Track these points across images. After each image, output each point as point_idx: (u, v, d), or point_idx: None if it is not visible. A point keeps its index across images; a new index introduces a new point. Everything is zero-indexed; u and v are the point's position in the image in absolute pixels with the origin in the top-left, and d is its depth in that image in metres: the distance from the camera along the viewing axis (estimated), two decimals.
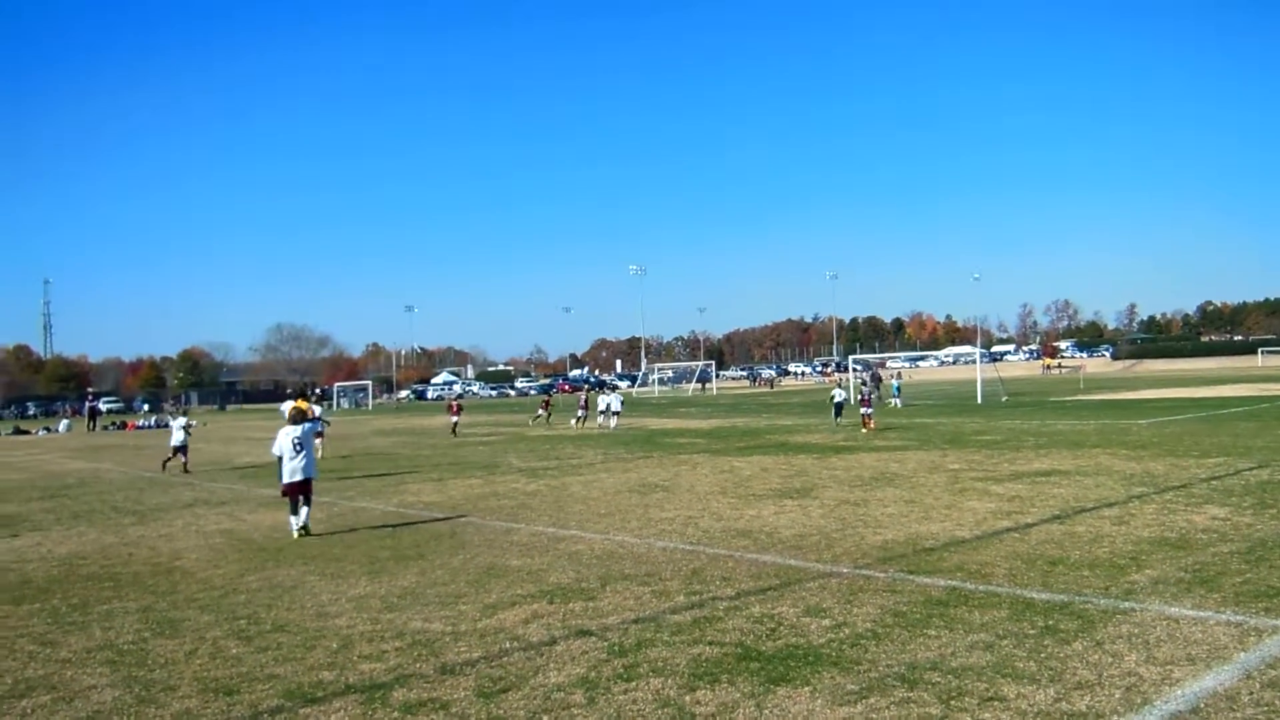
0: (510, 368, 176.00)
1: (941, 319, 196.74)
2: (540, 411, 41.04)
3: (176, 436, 23.64)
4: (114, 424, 62.37)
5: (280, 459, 12.63)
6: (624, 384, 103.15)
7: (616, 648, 6.59)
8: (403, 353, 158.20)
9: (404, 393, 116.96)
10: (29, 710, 5.89)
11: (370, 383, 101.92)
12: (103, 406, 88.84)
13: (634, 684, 5.83)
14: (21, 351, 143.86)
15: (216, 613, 8.24)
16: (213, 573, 10.11)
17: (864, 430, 26.70)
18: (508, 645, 6.81)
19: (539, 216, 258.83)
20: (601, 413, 35.67)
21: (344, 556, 10.70)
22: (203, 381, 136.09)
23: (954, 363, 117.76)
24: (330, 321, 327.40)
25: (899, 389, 44.24)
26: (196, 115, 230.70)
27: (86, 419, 62.78)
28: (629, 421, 38.02)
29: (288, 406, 18.34)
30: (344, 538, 12.09)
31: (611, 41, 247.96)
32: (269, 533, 12.78)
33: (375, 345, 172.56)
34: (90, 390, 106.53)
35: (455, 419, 36.67)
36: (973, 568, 8.60)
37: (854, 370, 57.78)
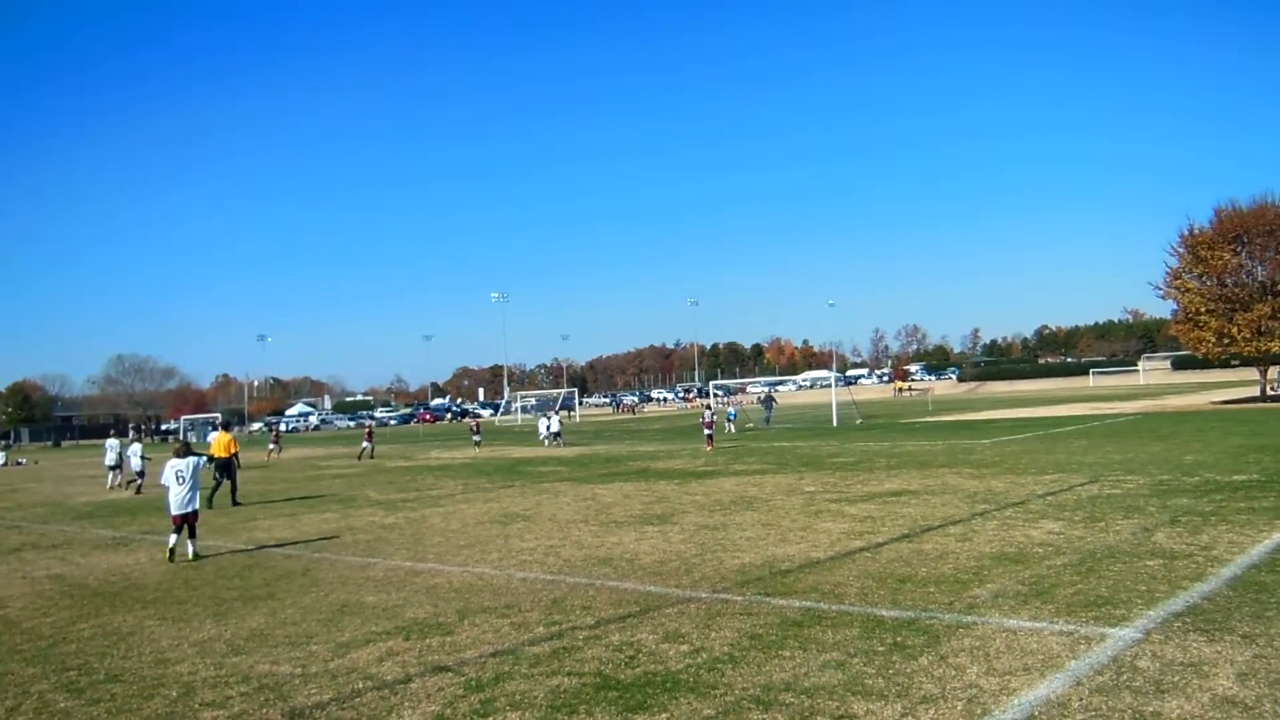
0: (370, 398, 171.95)
1: (799, 344, 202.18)
2: (365, 444, 39.47)
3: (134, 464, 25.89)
4: None
5: (167, 489, 13.21)
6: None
7: (473, 683, 6.48)
8: (255, 384, 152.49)
9: (256, 425, 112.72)
10: None
11: (220, 415, 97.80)
12: None
13: (490, 719, 5.74)
14: None
15: (44, 664, 7.72)
16: (40, 621, 9.48)
17: (707, 449, 29.98)
18: (360, 685, 6.60)
19: (399, 243, 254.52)
20: (545, 436, 39.71)
21: (187, 599, 10.20)
22: (35, 417, 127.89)
23: (811, 386, 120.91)
24: (177, 352, 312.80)
25: (735, 414, 46.27)
26: (26, 131, 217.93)
27: None
28: (492, 452, 37.79)
29: (214, 437, 17.95)
30: (188, 578, 11.52)
31: (469, 62, 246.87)
32: (105, 576, 12.07)
33: (225, 376, 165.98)
34: None
35: (367, 444, 39.04)
36: (826, 588, 8.82)
37: (715, 395, 58.72)
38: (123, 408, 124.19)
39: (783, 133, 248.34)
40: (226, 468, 21.58)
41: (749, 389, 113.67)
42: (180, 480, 13.15)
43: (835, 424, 43.41)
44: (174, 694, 6.66)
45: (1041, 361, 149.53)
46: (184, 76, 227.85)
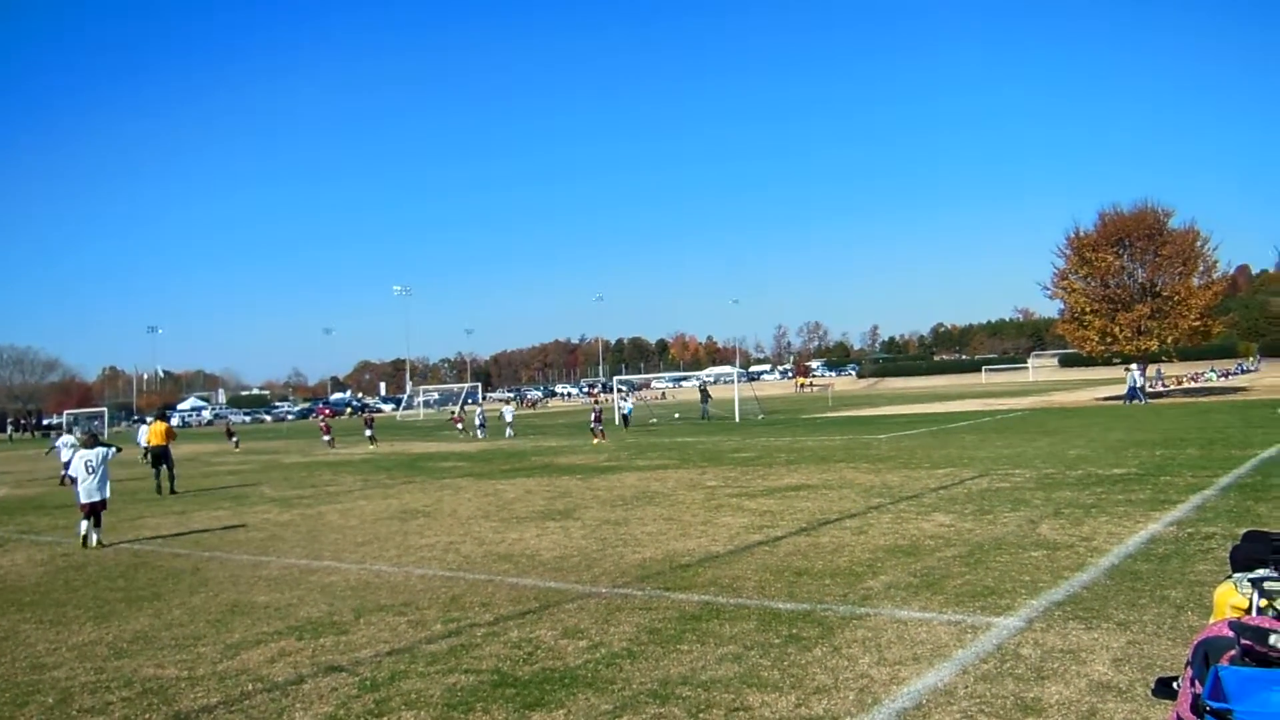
0: (266, 392, 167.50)
1: (703, 340, 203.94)
2: (367, 431, 40.51)
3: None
4: None
5: (75, 480, 13.98)
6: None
7: (368, 682, 6.36)
8: (145, 376, 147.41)
9: (76, 427, 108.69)
10: None
11: (106, 410, 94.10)
12: None
13: (385, 719, 5.65)
14: None
15: None
16: None
17: (595, 441, 32.24)
18: (250, 687, 6.43)
19: (299, 234, 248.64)
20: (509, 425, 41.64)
21: (67, 601, 9.79)
22: None
23: (714, 382, 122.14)
24: (59, 344, 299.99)
25: (632, 410, 46.95)
26: None
27: None
28: (389, 448, 37.25)
29: (147, 428, 17.76)
30: (69, 579, 11.07)
31: (378, 51, 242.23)
32: None
33: (112, 369, 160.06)
34: None
35: (327, 438, 40.01)
36: (725, 582, 8.91)
37: (618, 390, 58.78)
38: (1, 401, 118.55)
39: (690, 130, 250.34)
40: (165, 456, 21.79)
41: (654, 384, 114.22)
42: (90, 470, 13.79)
43: (738, 419, 43.93)
44: (50, 700, 6.39)
45: (937, 359, 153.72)
46: (81, 55, 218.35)
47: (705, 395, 50.62)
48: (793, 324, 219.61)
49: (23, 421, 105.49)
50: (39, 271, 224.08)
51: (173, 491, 21.22)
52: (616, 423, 43.49)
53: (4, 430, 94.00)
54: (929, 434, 28.12)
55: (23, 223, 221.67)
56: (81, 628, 8.52)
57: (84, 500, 13.74)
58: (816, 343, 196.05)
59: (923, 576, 8.67)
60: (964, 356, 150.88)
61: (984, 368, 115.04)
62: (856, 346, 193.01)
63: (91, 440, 14.67)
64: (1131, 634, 6.51)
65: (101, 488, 13.87)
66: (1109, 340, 45.80)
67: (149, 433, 23.17)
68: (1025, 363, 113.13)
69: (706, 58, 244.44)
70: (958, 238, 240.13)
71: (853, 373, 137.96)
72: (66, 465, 24.82)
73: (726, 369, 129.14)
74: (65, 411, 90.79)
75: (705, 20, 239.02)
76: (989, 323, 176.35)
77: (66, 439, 24.51)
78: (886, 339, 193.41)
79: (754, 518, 12.92)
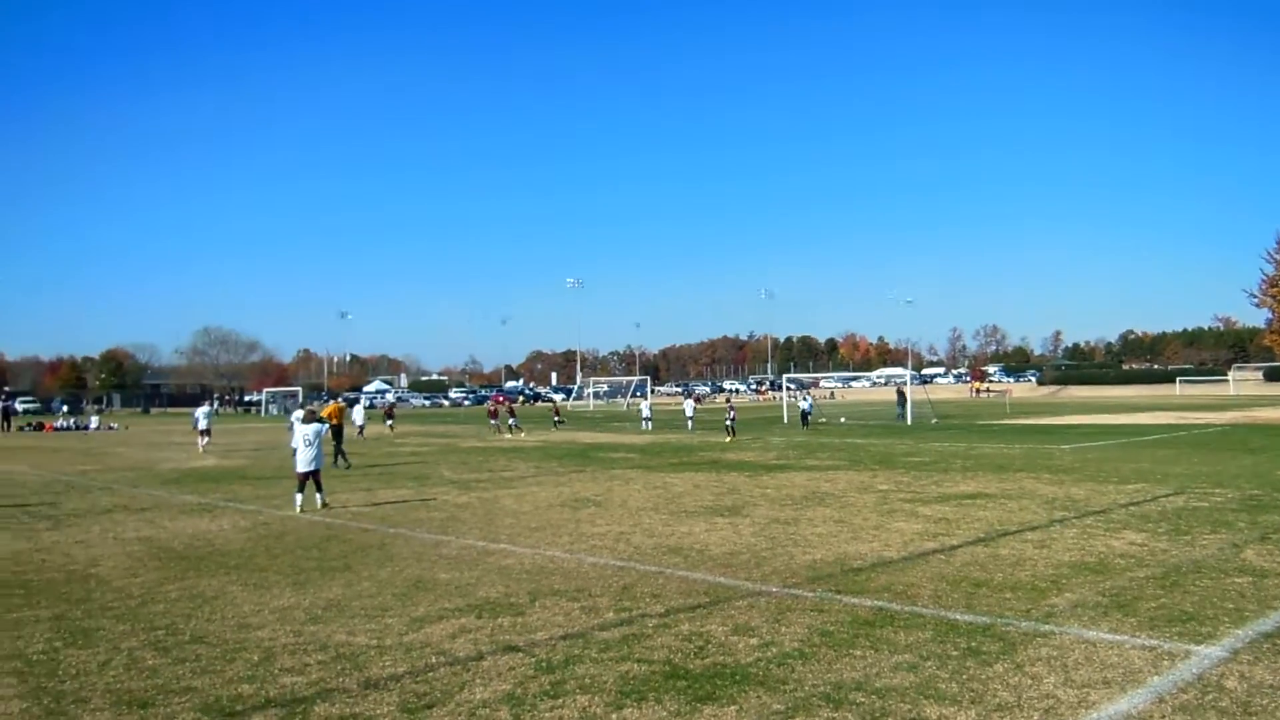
0: (444, 378, 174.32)
1: (874, 340, 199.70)
2: (495, 422, 42.24)
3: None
4: (30, 425, 60.31)
5: (295, 450, 15.59)
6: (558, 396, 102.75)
7: (544, 664, 6.55)
8: (335, 359, 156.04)
9: (301, 402, 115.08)
10: None
11: (300, 389, 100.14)
12: (19, 406, 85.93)
13: (560, 701, 5.80)
14: None
15: (133, 622, 8.01)
16: (130, 581, 9.83)
17: (727, 439, 32.29)
18: (433, 660, 6.73)
19: (477, 225, 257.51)
20: (646, 420, 42.78)
21: (268, 566, 10.49)
22: (126, 384, 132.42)
23: (885, 384, 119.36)
24: (261, 326, 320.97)
25: (812, 407, 45.11)
26: (118, 111, 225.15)
27: (0, 419, 60.65)
28: (563, 435, 38.15)
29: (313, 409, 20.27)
30: (269, 547, 11.85)
31: (552, 53, 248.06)
32: (190, 541, 12.47)
33: (306, 351, 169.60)
34: (5, 389, 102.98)
35: (494, 421, 41.63)
36: (899, 588, 8.72)
37: (787, 388, 58.31)
38: (208, 378, 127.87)
39: (861, 128, 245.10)
40: (337, 432, 24.79)
41: (822, 383, 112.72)
42: (307, 444, 15.40)
43: (910, 423, 42.83)
44: (255, 658, 6.86)
45: (1126, 367, 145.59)
46: (276, 40, 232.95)
47: (903, 398, 48.26)
48: (969, 327, 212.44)
49: (227, 397, 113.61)
50: (243, 258, 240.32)
51: (346, 466, 23.70)
52: (785, 420, 43.12)
53: (211, 405, 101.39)
54: (1117, 446, 26.64)
55: (232, 213, 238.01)
56: (282, 592, 9.11)
57: (301, 469, 15.36)
58: (994, 347, 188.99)
59: (1113, 596, 8.24)
60: (1156, 366, 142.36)
61: (1178, 379, 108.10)
62: (1037, 352, 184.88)
63: (310, 417, 16.35)
64: None
65: (317, 459, 15.49)
66: None
67: (326, 409, 26.15)
68: (1225, 375, 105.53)
69: (883, 55, 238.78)
70: (1151, 238, 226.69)
71: (1033, 379, 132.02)
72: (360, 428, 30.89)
73: (898, 370, 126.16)
74: (264, 389, 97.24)
75: (889, 17, 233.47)
76: (1185, 331, 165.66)
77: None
78: (1070, 345, 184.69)
79: (929, 524, 12.58)
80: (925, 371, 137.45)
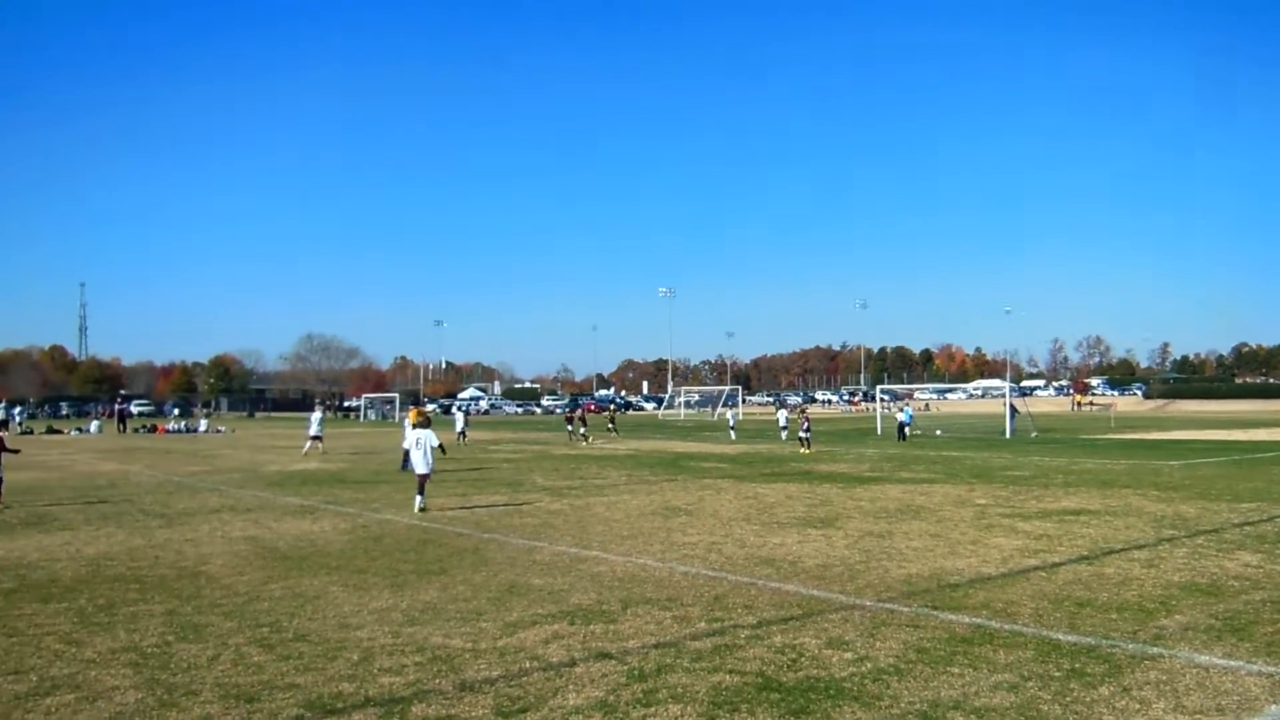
0: (537, 385, 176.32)
1: (971, 352, 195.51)
2: (570, 428, 42.86)
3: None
4: (144, 427, 62.94)
5: (407, 452, 16.75)
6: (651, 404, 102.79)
7: (636, 672, 6.57)
8: (430, 366, 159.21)
9: (431, 406, 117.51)
10: (53, 709, 5.94)
11: (397, 395, 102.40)
12: (134, 409, 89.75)
13: (653, 709, 5.81)
14: (57, 352, 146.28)
15: (240, 619, 8.29)
16: (237, 579, 10.18)
17: (803, 451, 31.59)
18: (527, 665, 6.80)
19: (570, 233, 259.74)
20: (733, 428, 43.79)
21: (367, 568, 10.75)
22: (233, 388, 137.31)
23: (982, 396, 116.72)
24: (359, 333, 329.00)
25: (911, 418, 43.58)
26: (233, 125, 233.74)
27: (117, 421, 63.43)
28: (655, 445, 38.21)
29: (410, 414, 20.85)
30: (368, 549, 12.13)
31: (643, 64, 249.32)
32: (293, 541, 12.85)
33: (403, 358, 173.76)
34: (122, 392, 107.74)
35: (570, 428, 42.43)
36: (998, 606, 8.51)
37: (881, 399, 57.47)
38: (310, 383, 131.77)
39: (965, 136, 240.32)
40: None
41: (916, 394, 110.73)
42: (417, 446, 16.18)
43: (1008, 436, 41.77)
44: (355, 657, 7.03)
45: (1239, 381, 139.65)
46: (357, 55, 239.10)
47: (1014, 411, 46.58)
48: (1070, 338, 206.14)
49: (328, 402, 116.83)
50: (344, 267, 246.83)
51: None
52: (878, 432, 42.43)
53: (323, 411, 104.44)
54: (1230, 463, 25.55)
55: (334, 224, 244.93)
56: (380, 594, 9.32)
57: (420, 471, 16.06)
58: (1097, 359, 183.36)
59: (1226, 620, 7.90)
60: (1272, 380, 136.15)
61: None
62: (1143, 364, 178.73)
63: (425, 423, 16.71)
64: None
65: (428, 462, 16.10)
66: None
67: (410, 415, 26.64)
68: None
69: (986, 64, 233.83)
70: (1266, 247, 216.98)
71: (1138, 393, 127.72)
72: (462, 432, 34.59)
73: (996, 382, 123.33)
74: (363, 395, 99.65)
75: (994, 18, 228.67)
76: None
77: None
78: (1179, 358, 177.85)
79: (1029, 540, 12.25)
80: (1024, 384, 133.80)
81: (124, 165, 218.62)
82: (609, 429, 45.44)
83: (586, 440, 39.64)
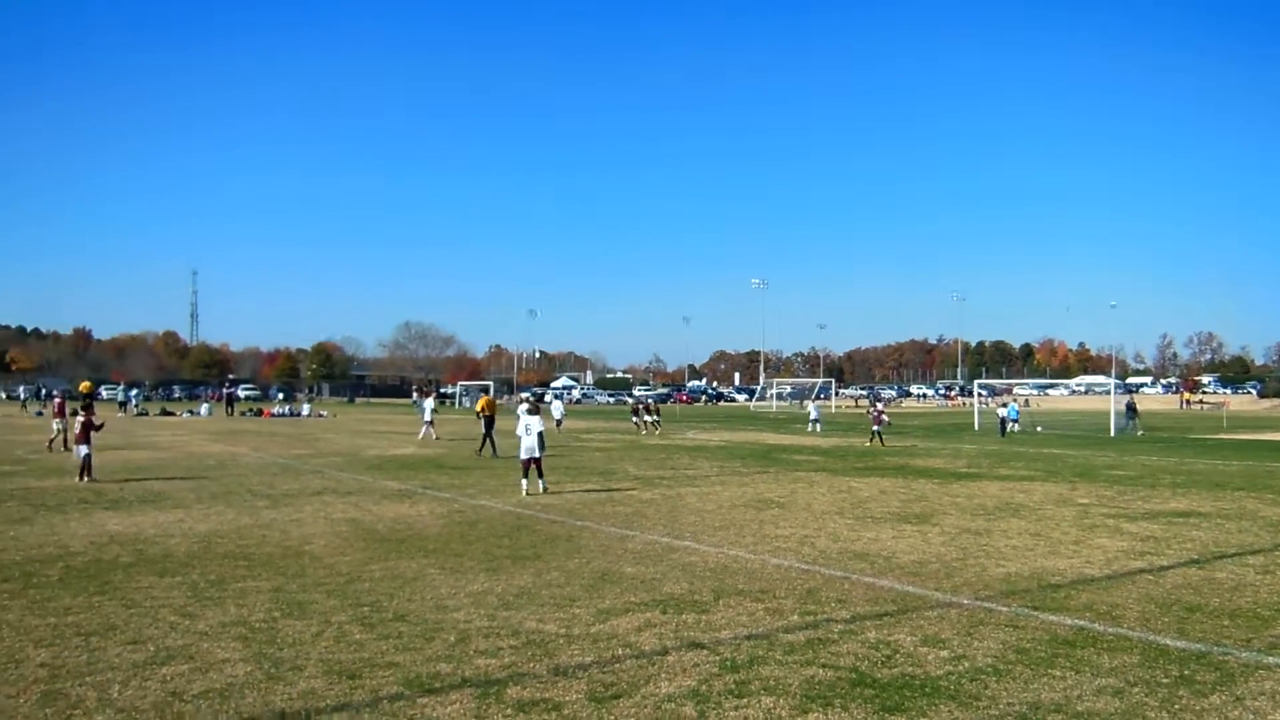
0: (629, 375, 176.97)
1: (1074, 346, 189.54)
2: (635, 419, 42.91)
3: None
4: (251, 410, 65.29)
5: (520, 437, 16.72)
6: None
7: (728, 663, 6.57)
8: (524, 355, 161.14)
9: (547, 395, 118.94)
10: (169, 678, 6.21)
11: (492, 383, 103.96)
12: (241, 393, 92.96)
13: (745, 701, 5.80)
14: (170, 338, 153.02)
15: (342, 598, 8.55)
16: (339, 559, 10.49)
17: (867, 444, 31.62)
18: (620, 651, 6.86)
19: (662, 223, 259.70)
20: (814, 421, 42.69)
21: (463, 552, 10.96)
22: (334, 374, 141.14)
23: (1085, 392, 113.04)
24: (455, 322, 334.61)
25: (1016, 413, 42.37)
26: (340, 116, 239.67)
27: (226, 404, 65.85)
28: (747, 437, 38.05)
29: (524, 402, 21.25)
30: (464, 533, 12.37)
31: (729, 55, 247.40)
32: (392, 524, 13.18)
33: (498, 347, 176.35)
34: (230, 377, 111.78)
35: (635, 419, 41.98)
36: (1102, 608, 8.26)
37: (978, 394, 56.25)
38: (408, 370, 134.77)
39: (1062, 125, 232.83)
40: (489, 423, 26.44)
41: (1015, 390, 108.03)
42: (527, 432, 16.59)
43: (1112, 434, 40.46)
44: (451, 639, 7.19)
45: None
46: (475, 44, 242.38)
47: (1132, 410, 44.23)
48: (1180, 333, 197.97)
49: (425, 389, 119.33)
50: (440, 256, 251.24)
51: (494, 455, 24.76)
52: (976, 427, 41.54)
53: (435, 398, 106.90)
54: None
55: (431, 213, 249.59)
56: (476, 578, 9.50)
57: (524, 457, 16.58)
58: (1209, 355, 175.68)
59: None
60: None
61: None
62: (1259, 362, 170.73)
63: (534, 408, 17.37)
64: None
65: (537, 447, 16.55)
66: None
67: (480, 402, 29.12)
68: None
69: (1080, 53, 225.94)
70: None
71: (1253, 391, 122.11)
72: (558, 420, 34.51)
73: (1100, 378, 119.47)
74: (459, 382, 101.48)
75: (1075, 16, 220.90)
76: None
77: (557, 404, 29.85)
78: None
79: (1134, 542, 11.86)
80: (1130, 380, 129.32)
81: (232, 157, 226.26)
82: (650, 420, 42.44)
83: (659, 430, 39.87)
